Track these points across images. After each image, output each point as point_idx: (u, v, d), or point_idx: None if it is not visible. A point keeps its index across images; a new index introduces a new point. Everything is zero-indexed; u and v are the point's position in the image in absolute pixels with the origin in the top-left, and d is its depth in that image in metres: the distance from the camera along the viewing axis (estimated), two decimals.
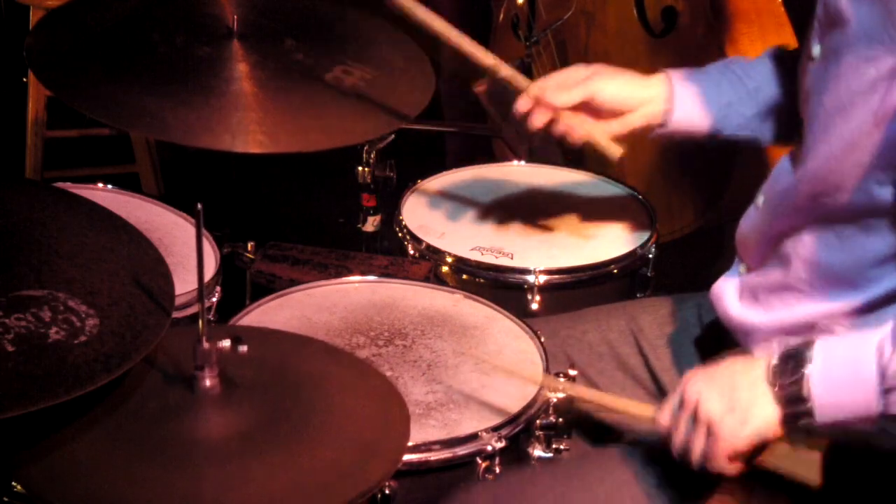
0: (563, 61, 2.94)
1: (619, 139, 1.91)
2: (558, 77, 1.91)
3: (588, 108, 1.89)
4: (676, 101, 1.89)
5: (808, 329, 1.57)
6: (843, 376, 1.39)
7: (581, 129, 1.89)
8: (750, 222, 1.72)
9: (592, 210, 2.29)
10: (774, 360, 1.45)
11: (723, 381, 1.47)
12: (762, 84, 1.87)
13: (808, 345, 1.43)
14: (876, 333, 1.41)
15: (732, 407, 1.44)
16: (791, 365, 1.42)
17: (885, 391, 1.37)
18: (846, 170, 1.49)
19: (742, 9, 2.52)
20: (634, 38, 2.68)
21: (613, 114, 1.89)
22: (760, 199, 1.71)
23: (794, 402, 1.41)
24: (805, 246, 1.59)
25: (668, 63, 2.63)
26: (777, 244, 1.65)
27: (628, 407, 1.63)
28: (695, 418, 1.47)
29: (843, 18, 1.50)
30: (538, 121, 1.89)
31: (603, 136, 1.90)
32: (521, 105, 1.90)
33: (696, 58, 2.57)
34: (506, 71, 1.90)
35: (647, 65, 2.68)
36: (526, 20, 2.89)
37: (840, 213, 1.52)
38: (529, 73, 3.04)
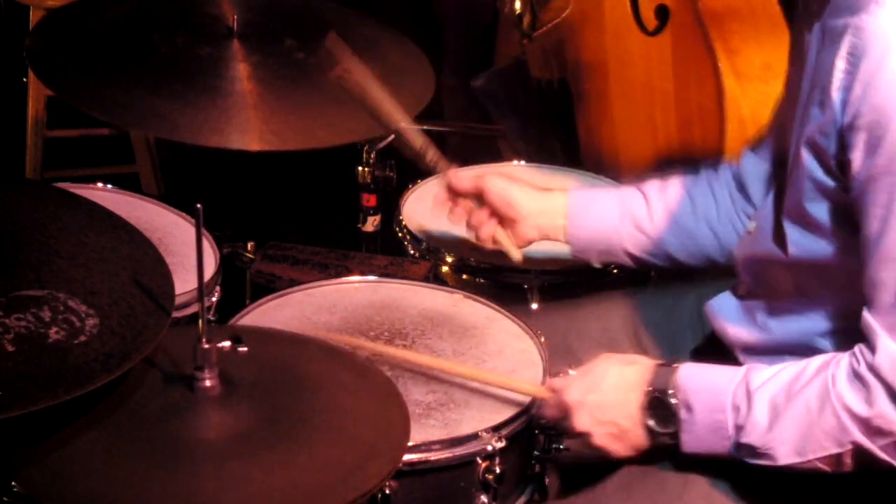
0: (560, 60, 2.93)
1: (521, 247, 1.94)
2: (470, 169, 1.96)
3: (489, 208, 1.90)
4: (570, 213, 1.90)
5: (804, 348, 1.59)
6: (704, 430, 1.56)
7: (489, 228, 1.91)
8: (744, 247, 1.74)
9: None
10: (645, 403, 1.59)
11: (608, 418, 1.61)
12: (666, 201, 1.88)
13: (668, 390, 1.58)
14: (729, 383, 1.55)
15: (620, 438, 1.62)
16: (661, 413, 1.59)
17: (737, 445, 1.54)
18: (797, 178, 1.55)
19: (733, 6, 2.53)
20: (629, 36, 2.68)
21: (506, 220, 1.90)
22: (752, 225, 1.72)
23: (666, 442, 1.61)
24: (792, 270, 1.61)
25: (661, 62, 2.64)
26: (771, 269, 1.66)
27: (522, 387, 1.71)
28: (585, 439, 1.64)
29: None
30: (455, 216, 1.93)
31: (508, 240, 1.92)
32: (439, 195, 1.94)
33: (687, 57, 2.58)
34: (431, 154, 1.91)
35: (642, 63, 2.70)
36: (524, 17, 2.89)
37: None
38: (526, 71, 3.03)
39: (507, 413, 1.63)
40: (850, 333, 1.52)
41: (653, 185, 1.91)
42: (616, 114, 2.79)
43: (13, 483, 1.27)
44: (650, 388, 1.59)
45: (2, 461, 1.27)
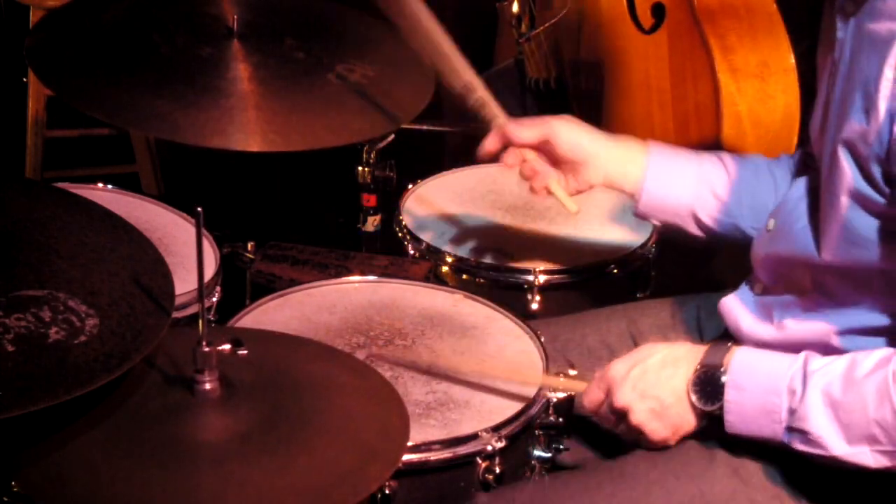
0: (558, 60, 2.95)
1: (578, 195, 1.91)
2: (525, 119, 1.90)
3: (549, 155, 1.87)
4: (650, 168, 1.85)
5: (819, 346, 1.58)
6: (754, 412, 1.54)
7: (544, 178, 1.88)
8: (762, 246, 1.73)
9: (592, 210, 2.29)
10: (693, 379, 1.58)
11: (651, 392, 1.60)
12: (743, 175, 1.85)
13: (720, 368, 1.56)
14: (788, 368, 1.52)
15: (661, 416, 1.61)
16: (708, 389, 1.57)
17: (789, 429, 1.51)
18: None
19: (729, 4, 2.53)
20: (625, 35, 2.70)
21: (570, 164, 1.86)
22: (771, 223, 1.71)
23: (711, 420, 1.59)
24: (818, 270, 1.59)
25: (657, 59, 2.65)
26: (792, 268, 1.65)
27: (570, 385, 1.71)
28: (625, 419, 1.62)
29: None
30: (509, 159, 1.89)
31: (562, 190, 1.89)
32: (489, 143, 1.89)
33: (683, 55, 2.58)
34: (481, 93, 1.88)
35: (639, 61, 2.71)
36: (523, 19, 2.92)
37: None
38: (523, 71, 3.04)
39: (507, 413, 1.63)
40: (872, 332, 1.53)
41: (733, 157, 1.87)
42: (613, 112, 2.80)
43: (13, 483, 1.27)
44: (700, 366, 1.58)
45: (2, 461, 1.27)
